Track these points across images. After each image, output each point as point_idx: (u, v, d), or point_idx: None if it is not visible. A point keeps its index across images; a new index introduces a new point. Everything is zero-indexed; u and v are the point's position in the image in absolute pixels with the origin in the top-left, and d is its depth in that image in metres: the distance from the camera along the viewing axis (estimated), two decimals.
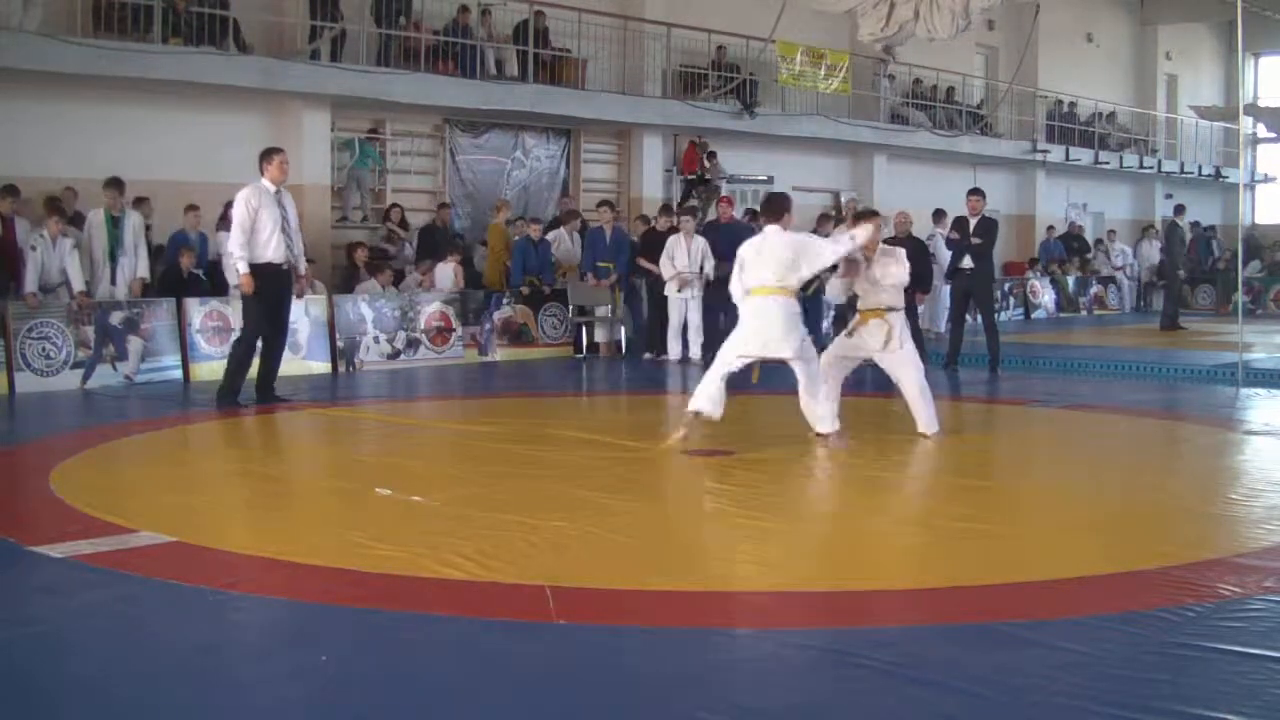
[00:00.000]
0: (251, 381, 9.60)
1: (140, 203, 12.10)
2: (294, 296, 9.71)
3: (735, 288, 7.66)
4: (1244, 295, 16.99)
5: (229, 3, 13.37)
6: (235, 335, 10.20)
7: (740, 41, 18.23)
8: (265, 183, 9.36)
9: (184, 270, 11.88)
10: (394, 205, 15.01)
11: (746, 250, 7.64)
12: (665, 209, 14.78)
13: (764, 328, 7.43)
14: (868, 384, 12.12)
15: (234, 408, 9.31)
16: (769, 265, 7.44)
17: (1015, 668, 3.75)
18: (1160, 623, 4.18)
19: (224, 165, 13.57)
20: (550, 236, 14.59)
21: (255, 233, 9.21)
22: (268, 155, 9.48)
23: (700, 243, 13.29)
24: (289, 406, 9.50)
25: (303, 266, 9.81)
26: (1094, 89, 26.42)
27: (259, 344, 9.58)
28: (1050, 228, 23.92)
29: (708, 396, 7.50)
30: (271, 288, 9.35)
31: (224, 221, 11.79)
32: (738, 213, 15.72)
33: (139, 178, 12.29)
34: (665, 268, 13.24)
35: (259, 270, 9.23)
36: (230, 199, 12.69)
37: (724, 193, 17.97)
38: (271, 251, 9.28)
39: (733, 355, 7.57)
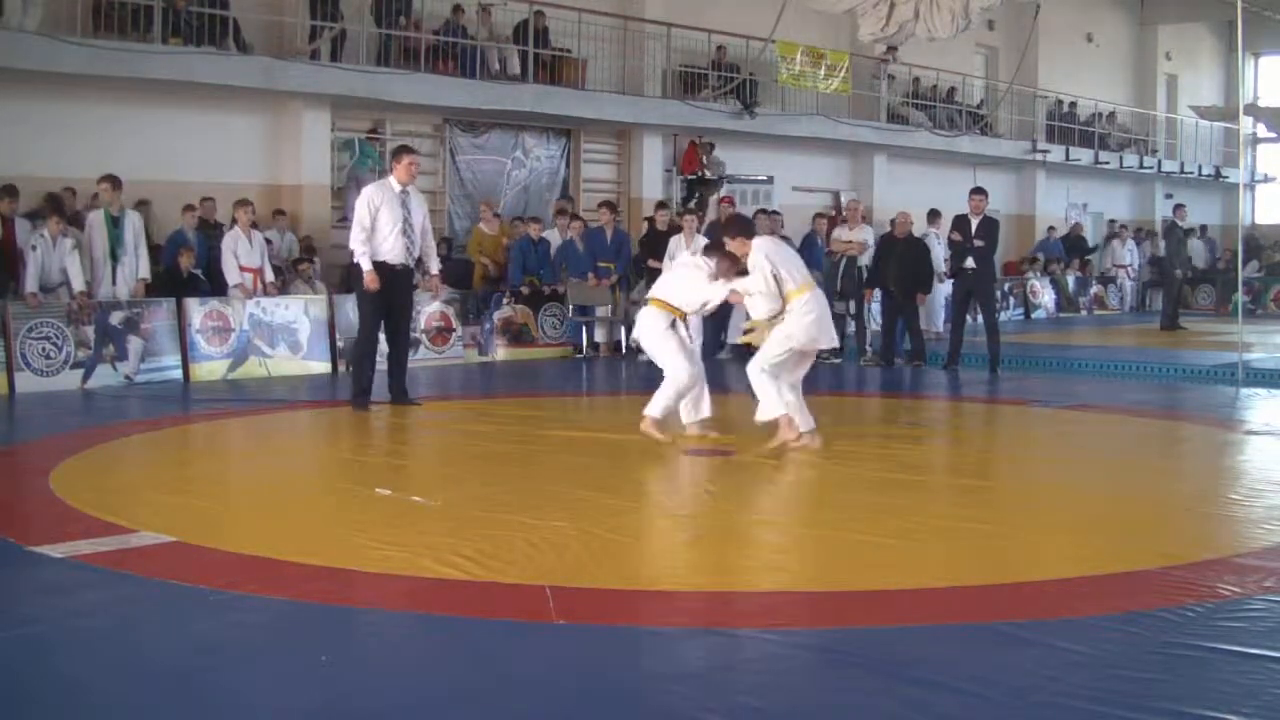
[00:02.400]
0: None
1: (141, 205, 12.13)
2: (425, 295, 9.67)
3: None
4: (1244, 295, 16.99)
5: (229, 3, 13.36)
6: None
7: (740, 41, 18.24)
8: (391, 181, 9.26)
9: (183, 270, 11.88)
10: None
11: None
12: (661, 205, 14.77)
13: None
14: (868, 384, 12.13)
15: (363, 409, 9.21)
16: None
17: (1015, 668, 3.76)
18: (1160, 623, 4.18)
19: (224, 165, 13.60)
20: (545, 235, 14.59)
21: (375, 231, 9.08)
22: (396, 155, 9.43)
23: (701, 242, 13.27)
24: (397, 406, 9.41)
25: (434, 266, 9.73)
26: (1094, 89, 26.42)
27: (380, 343, 9.56)
28: (1051, 228, 23.95)
29: (798, 410, 7.58)
30: (387, 288, 9.19)
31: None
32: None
33: (139, 178, 12.29)
34: (666, 268, 13.22)
35: (375, 268, 9.11)
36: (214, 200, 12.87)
37: (724, 191, 18.01)
38: (388, 251, 9.13)
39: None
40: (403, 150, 9.46)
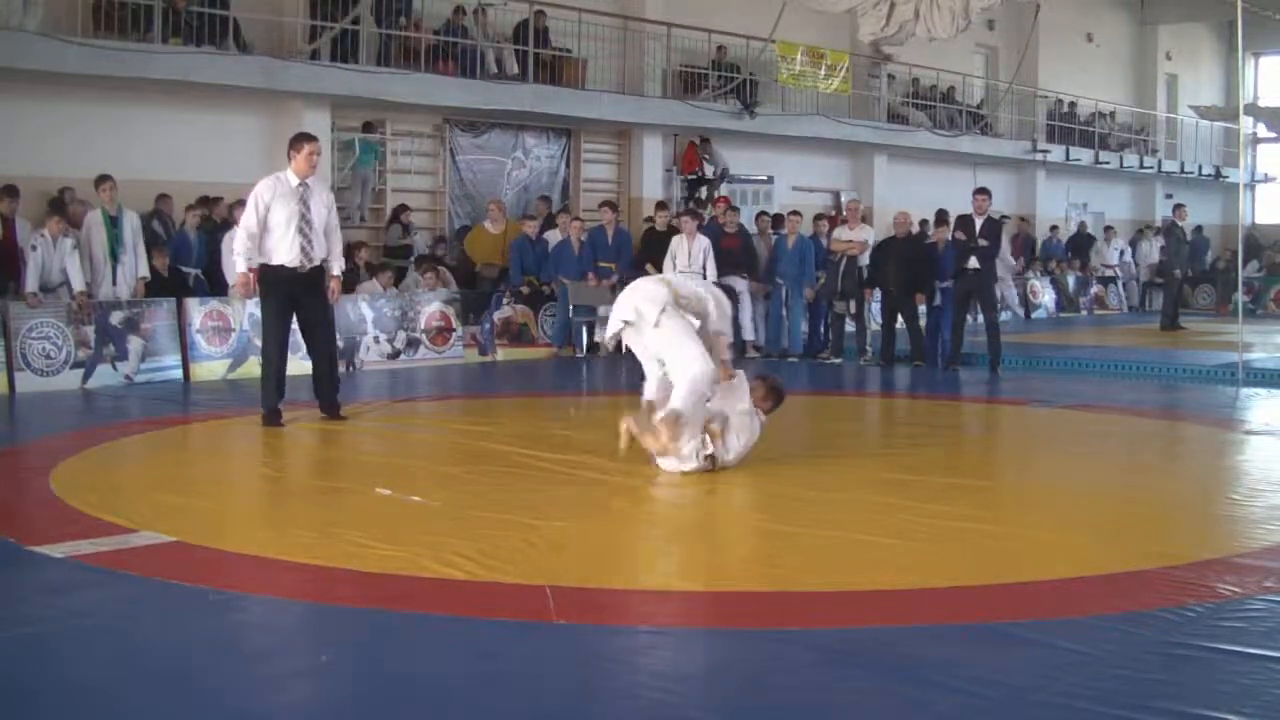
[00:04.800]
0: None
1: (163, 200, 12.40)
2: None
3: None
4: (1244, 295, 16.99)
5: (229, 3, 13.37)
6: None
7: (740, 41, 18.24)
8: (288, 174, 8.32)
9: (161, 270, 11.84)
10: (402, 206, 15.00)
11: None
12: (661, 206, 14.77)
13: None
14: (868, 384, 12.13)
15: (275, 424, 8.41)
16: None
17: (1015, 668, 3.76)
18: (1160, 623, 4.18)
19: (224, 165, 13.59)
20: (545, 236, 14.60)
21: (268, 230, 8.21)
22: (295, 143, 8.38)
23: (703, 242, 13.29)
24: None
25: (335, 268, 8.61)
26: (1094, 89, 26.42)
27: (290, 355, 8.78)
28: (1054, 228, 23.94)
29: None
30: (285, 293, 8.33)
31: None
32: (746, 214, 15.78)
33: (139, 178, 12.30)
34: (668, 270, 13.24)
35: (270, 272, 8.27)
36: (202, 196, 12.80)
37: (724, 190, 18.05)
38: (284, 252, 8.24)
39: None
40: (302, 138, 8.42)
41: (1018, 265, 21.42)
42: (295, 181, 8.33)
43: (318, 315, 8.60)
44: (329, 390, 8.78)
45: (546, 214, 15.36)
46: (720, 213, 14.79)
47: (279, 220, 8.24)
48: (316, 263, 8.43)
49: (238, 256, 8.36)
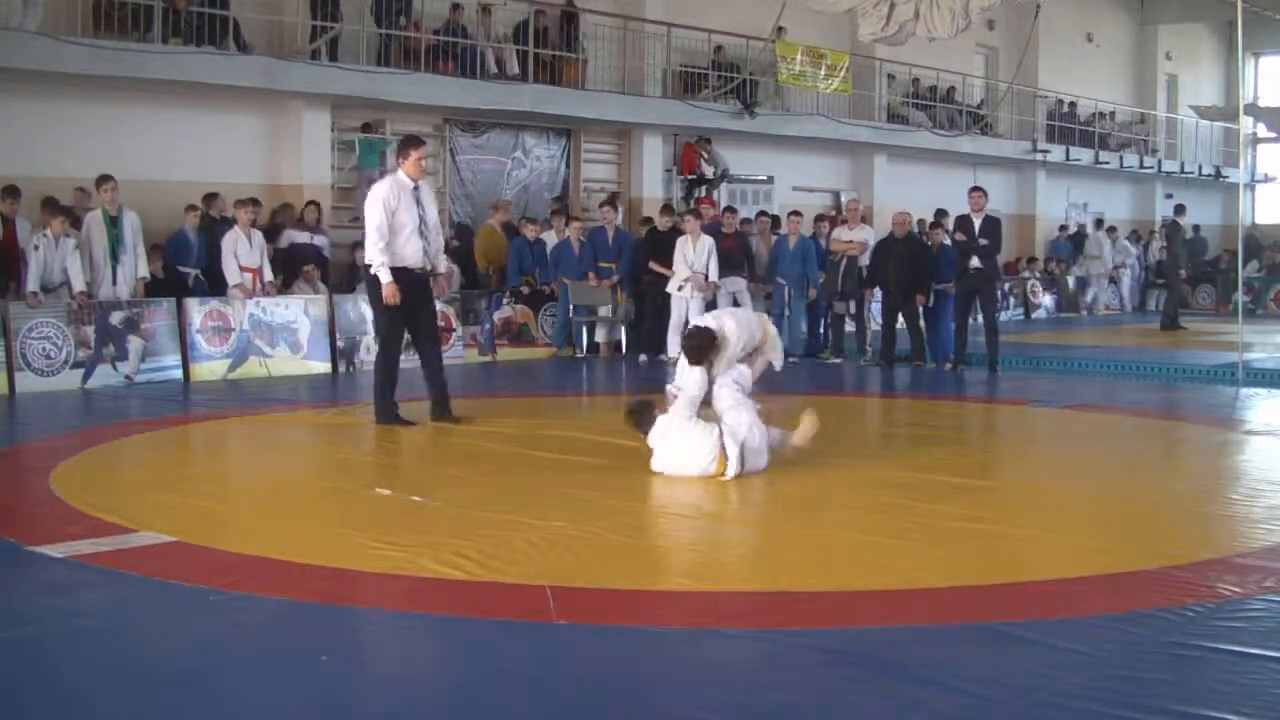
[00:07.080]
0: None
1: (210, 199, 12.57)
2: (434, 298, 8.81)
3: None
4: (1244, 295, 16.99)
5: (229, 3, 13.36)
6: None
7: (740, 41, 18.24)
8: (402, 176, 8.33)
9: (158, 273, 11.84)
10: None
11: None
12: (666, 209, 14.78)
13: None
14: (868, 384, 12.13)
15: (399, 424, 8.48)
16: None
17: (1015, 668, 3.76)
18: (1160, 623, 4.18)
19: (224, 165, 13.60)
20: (542, 237, 14.61)
21: (394, 234, 8.19)
22: (405, 148, 8.42)
23: (707, 241, 13.29)
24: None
25: (442, 265, 8.84)
26: (1094, 89, 26.42)
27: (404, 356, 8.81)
28: (1063, 227, 23.95)
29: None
30: (408, 295, 8.31)
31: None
32: (745, 214, 15.80)
33: (139, 178, 12.29)
34: (680, 269, 13.24)
35: (395, 275, 8.21)
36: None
37: (722, 188, 18.06)
38: (410, 255, 8.27)
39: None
40: (412, 142, 8.46)
41: (1112, 267, 21.64)
42: (410, 184, 8.36)
43: (429, 317, 8.78)
44: (444, 391, 8.80)
45: (555, 211, 15.36)
46: (707, 213, 14.80)
47: (403, 223, 8.26)
48: (430, 264, 8.54)
49: (380, 267, 8.18)
